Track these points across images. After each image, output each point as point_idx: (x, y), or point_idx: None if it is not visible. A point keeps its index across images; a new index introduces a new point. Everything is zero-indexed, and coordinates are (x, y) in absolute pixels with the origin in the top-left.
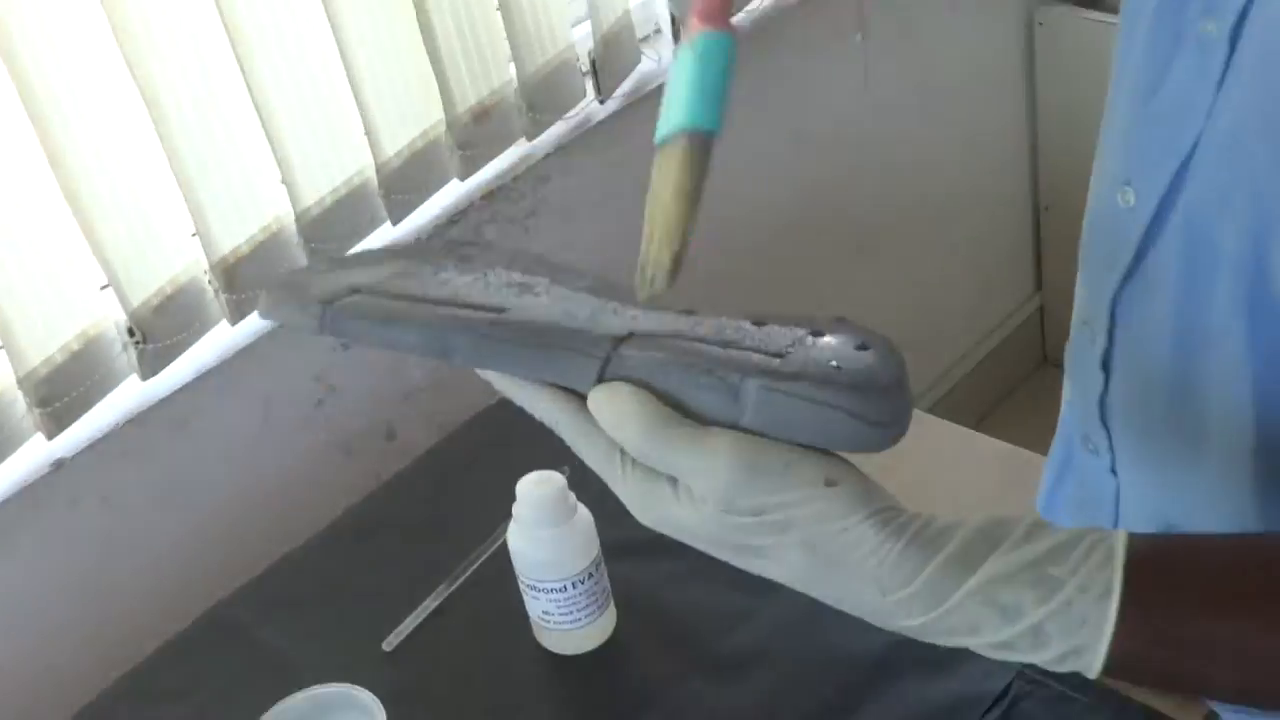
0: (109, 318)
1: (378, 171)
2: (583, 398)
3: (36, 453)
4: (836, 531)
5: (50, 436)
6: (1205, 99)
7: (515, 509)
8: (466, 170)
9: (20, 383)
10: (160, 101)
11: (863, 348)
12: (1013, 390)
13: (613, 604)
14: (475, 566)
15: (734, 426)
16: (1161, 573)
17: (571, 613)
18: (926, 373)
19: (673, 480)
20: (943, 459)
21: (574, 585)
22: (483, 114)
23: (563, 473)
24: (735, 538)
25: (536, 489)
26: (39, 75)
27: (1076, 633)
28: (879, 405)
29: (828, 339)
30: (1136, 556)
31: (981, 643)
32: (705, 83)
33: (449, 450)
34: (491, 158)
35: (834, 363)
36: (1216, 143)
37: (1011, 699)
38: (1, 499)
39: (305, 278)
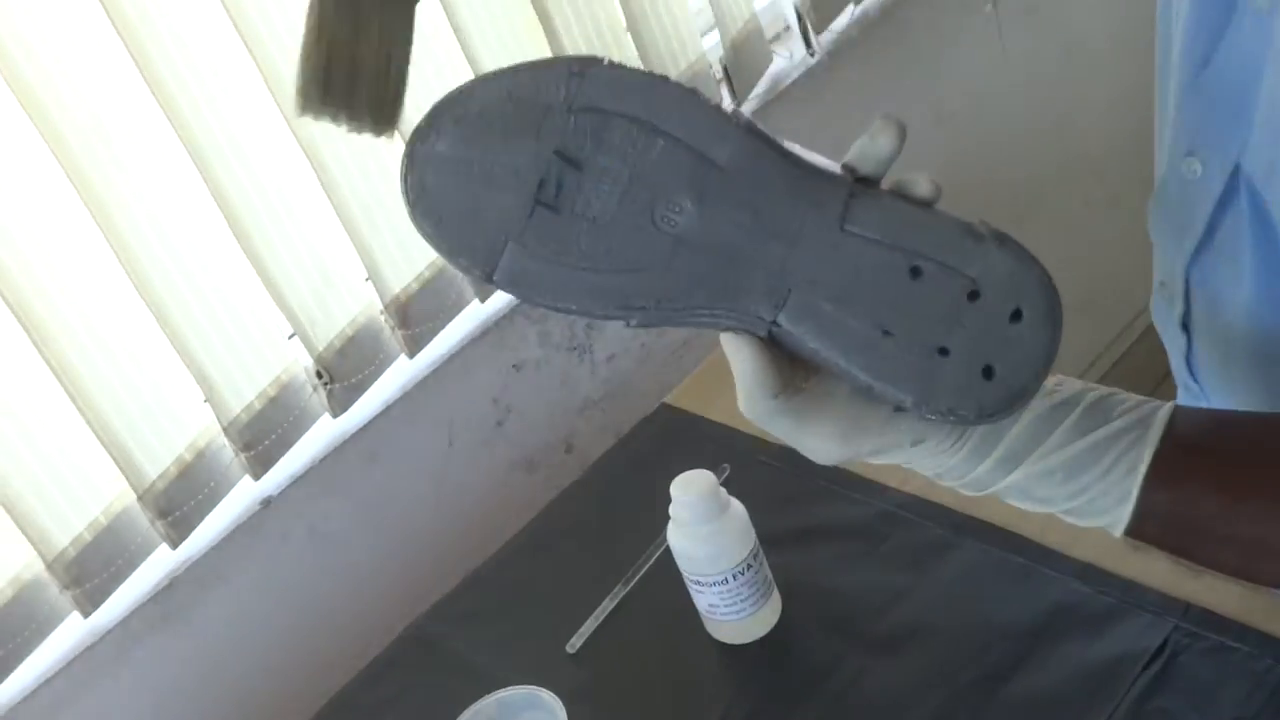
0: (298, 363)
1: None
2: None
3: (246, 493)
4: (915, 463)
5: (256, 477)
6: (1260, 71)
7: (672, 509)
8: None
9: (225, 431)
10: (322, 155)
11: (1017, 316)
12: None
13: (776, 592)
14: (646, 567)
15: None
16: (1184, 470)
17: (736, 604)
18: (1096, 340)
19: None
20: None
21: (734, 577)
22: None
23: (722, 470)
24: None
25: (688, 489)
26: (213, 148)
27: (1097, 519)
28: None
29: (985, 298)
30: (1165, 452)
31: (1024, 508)
32: None
33: (621, 455)
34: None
35: (987, 363)
36: (1275, 114)
37: (1169, 653)
38: (219, 537)
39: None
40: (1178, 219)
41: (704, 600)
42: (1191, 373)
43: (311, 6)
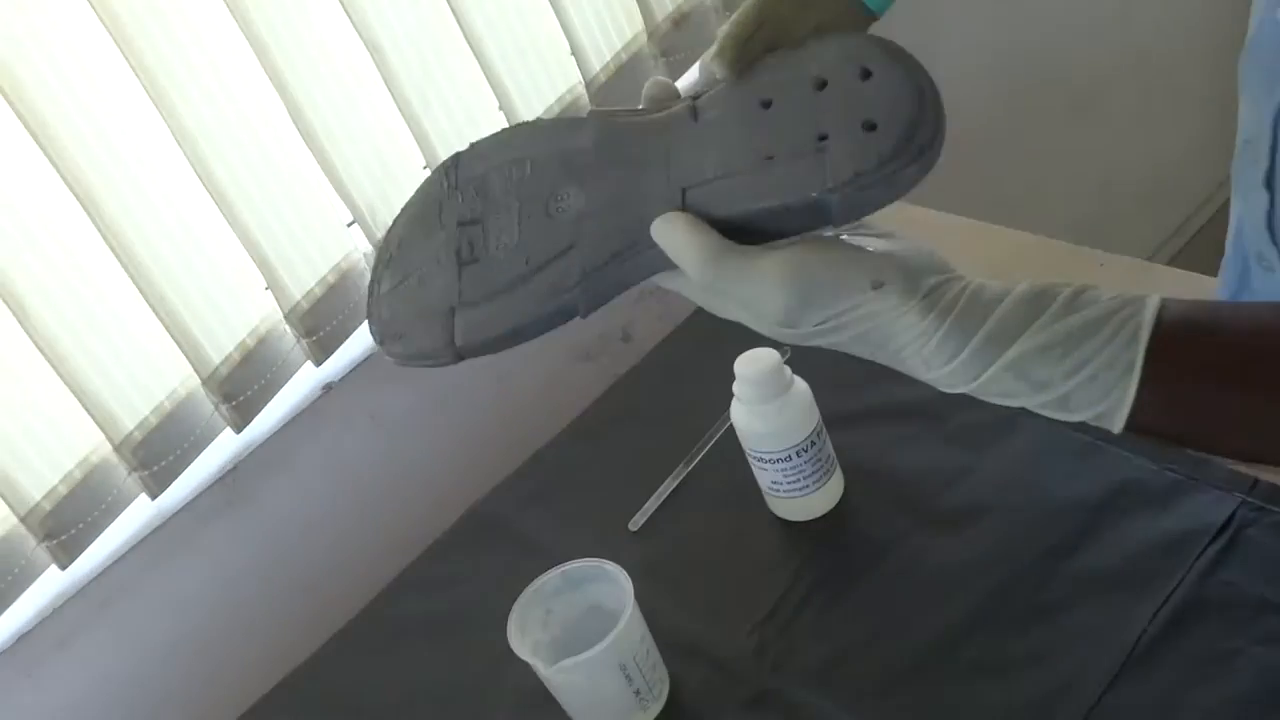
0: (358, 250)
1: (588, 88)
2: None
3: (308, 379)
4: (885, 324)
5: (318, 363)
6: None
7: (735, 387)
8: (673, 74)
9: (287, 317)
10: (380, 41)
11: (866, 75)
12: None
13: (839, 470)
14: (709, 446)
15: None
16: (1185, 347)
17: (798, 480)
18: (1164, 225)
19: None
20: None
21: (798, 454)
22: (681, 19)
23: (784, 351)
24: (795, 341)
25: (752, 366)
26: (274, 38)
27: (1100, 403)
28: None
29: (830, 81)
30: (1164, 330)
31: (1016, 404)
32: None
33: (678, 342)
34: (695, 60)
35: (863, 121)
36: None
37: (1236, 527)
38: (282, 422)
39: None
40: (1269, 68)
41: (766, 477)
42: (1272, 235)
43: None
